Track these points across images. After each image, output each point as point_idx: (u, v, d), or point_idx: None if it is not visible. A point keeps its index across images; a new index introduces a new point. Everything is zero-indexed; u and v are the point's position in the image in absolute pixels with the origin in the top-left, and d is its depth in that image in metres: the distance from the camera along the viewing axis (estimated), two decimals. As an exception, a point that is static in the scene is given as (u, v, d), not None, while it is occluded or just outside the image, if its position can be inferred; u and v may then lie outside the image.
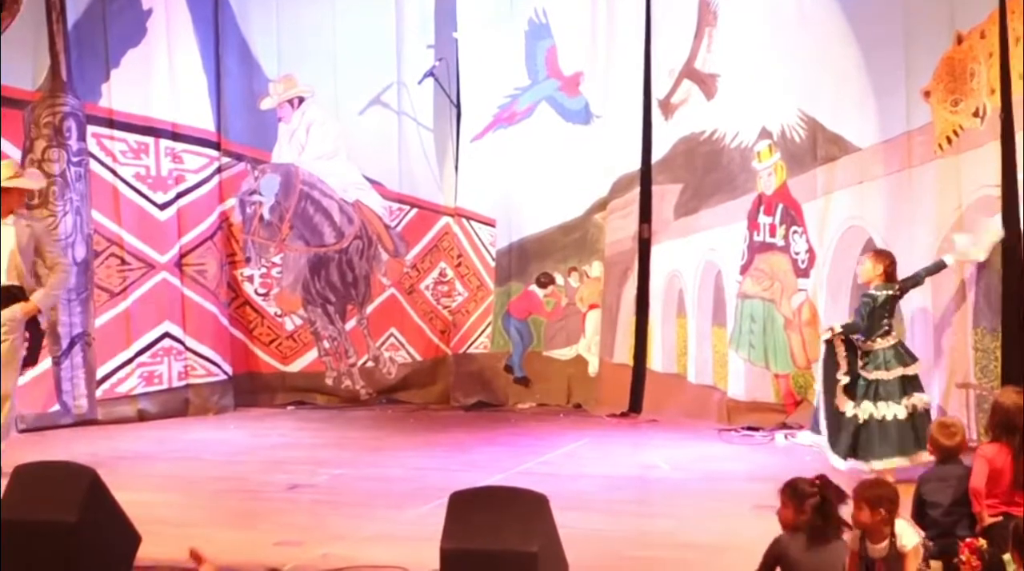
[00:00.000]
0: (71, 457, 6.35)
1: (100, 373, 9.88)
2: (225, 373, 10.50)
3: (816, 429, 7.76)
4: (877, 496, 5.03)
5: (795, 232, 9.13)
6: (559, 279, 10.60)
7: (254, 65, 10.65)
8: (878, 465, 7.32)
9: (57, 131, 9.61)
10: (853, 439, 7.43)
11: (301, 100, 10.69)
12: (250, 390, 10.70)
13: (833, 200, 8.88)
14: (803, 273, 9.11)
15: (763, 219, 9.35)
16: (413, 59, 10.70)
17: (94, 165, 9.88)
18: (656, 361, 10.07)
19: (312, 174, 10.71)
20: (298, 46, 10.67)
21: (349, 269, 10.78)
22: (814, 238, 9.01)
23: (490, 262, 10.72)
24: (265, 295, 10.77)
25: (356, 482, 7.90)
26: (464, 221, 10.75)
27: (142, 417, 9.98)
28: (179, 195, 10.27)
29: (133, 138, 10.07)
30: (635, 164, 10.12)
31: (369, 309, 10.83)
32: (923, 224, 8.34)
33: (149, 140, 10.14)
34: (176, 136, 10.28)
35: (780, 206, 9.24)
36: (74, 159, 9.69)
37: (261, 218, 10.60)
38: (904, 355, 7.54)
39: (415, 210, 10.82)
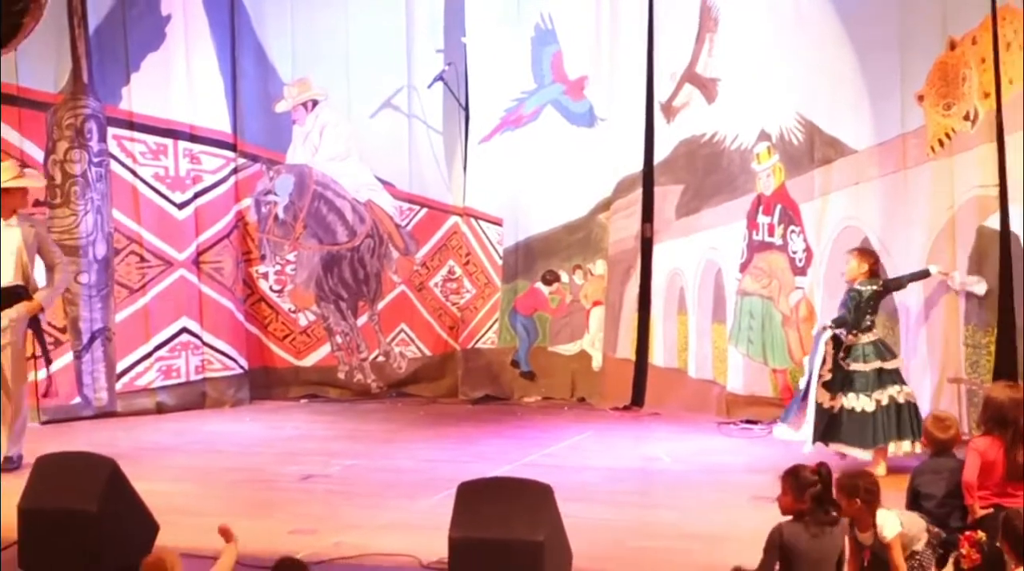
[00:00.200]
0: (92, 448, 6.40)
1: (120, 367, 9.95)
2: (241, 367, 10.53)
3: (785, 419, 7.90)
4: (853, 486, 5.13)
5: (793, 232, 9.18)
6: (564, 277, 10.59)
7: (269, 68, 10.60)
8: (839, 448, 7.50)
9: (79, 133, 9.68)
10: (825, 426, 7.55)
11: (315, 103, 10.65)
12: (265, 384, 10.70)
13: (830, 201, 8.93)
14: (800, 271, 9.15)
15: (762, 219, 9.38)
16: (423, 63, 10.66)
17: (114, 165, 9.93)
18: (658, 356, 10.10)
19: (325, 175, 10.68)
20: (312, 50, 10.61)
21: (361, 267, 10.76)
22: (811, 237, 9.06)
23: (497, 260, 10.74)
24: (279, 292, 10.75)
25: (368, 473, 7.96)
26: (472, 220, 10.75)
27: (160, 410, 10.05)
28: (196, 195, 10.31)
29: (152, 139, 10.10)
30: (638, 166, 10.12)
31: (380, 305, 10.81)
32: (917, 224, 8.41)
33: (168, 141, 10.16)
34: (194, 138, 10.28)
35: (778, 206, 9.27)
36: (95, 160, 9.76)
37: (276, 217, 10.59)
38: (884, 350, 7.65)
39: (425, 210, 10.82)
